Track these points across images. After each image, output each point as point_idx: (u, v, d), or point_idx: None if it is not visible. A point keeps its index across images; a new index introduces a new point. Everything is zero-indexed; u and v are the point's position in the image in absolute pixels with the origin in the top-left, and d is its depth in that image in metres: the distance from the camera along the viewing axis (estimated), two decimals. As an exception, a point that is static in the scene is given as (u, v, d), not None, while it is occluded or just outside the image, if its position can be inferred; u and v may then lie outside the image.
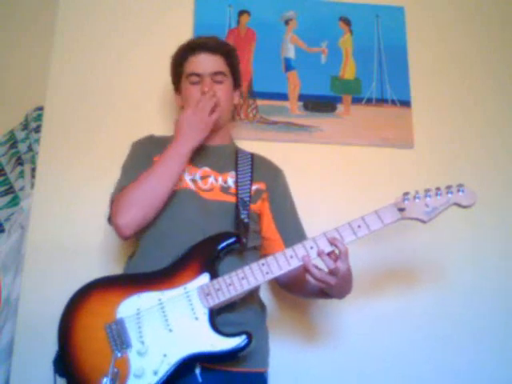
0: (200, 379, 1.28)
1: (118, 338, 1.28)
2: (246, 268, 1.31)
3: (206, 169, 1.51)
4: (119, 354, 1.26)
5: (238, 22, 1.98)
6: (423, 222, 1.36)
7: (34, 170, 1.87)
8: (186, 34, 1.66)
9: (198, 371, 1.28)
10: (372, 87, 1.98)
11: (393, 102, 1.98)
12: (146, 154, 1.52)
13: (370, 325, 1.76)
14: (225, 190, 1.49)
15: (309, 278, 1.30)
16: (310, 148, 1.90)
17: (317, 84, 1.96)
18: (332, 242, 1.31)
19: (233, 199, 1.46)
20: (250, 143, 1.72)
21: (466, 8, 2.15)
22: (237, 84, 1.64)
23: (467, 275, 1.85)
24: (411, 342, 1.76)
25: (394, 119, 1.96)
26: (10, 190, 1.96)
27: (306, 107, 1.94)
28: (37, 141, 1.89)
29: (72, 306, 1.34)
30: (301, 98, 1.94)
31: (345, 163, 1.91)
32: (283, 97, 1.93)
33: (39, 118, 1.92)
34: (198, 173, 1.50)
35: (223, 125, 1.59)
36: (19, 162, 1.98)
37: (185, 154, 1.43)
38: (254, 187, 1.51)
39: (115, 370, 1.20)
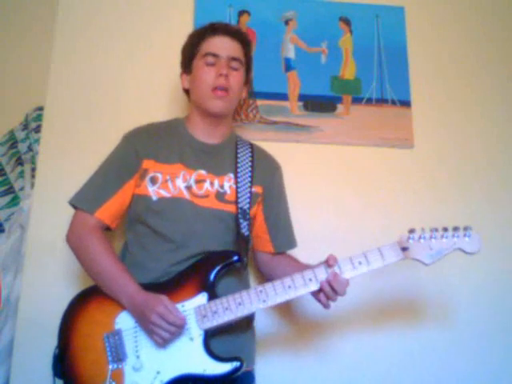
0: None
1: (115, 350, 1.28)
2: (244, 293, 1.31)
3: (202, 172, 1.46)
4: (115, 366, 1.27)
5: (238, 22, 1.98)
6: (425, 264, 1.35)
7: (33, 169, 1.87)
8: (186, 35, 1.66)
9: None
10: (372, 87, 1.98)
11: (393, 102, 1.98)
12: (131, 157, 1.45)
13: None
14: (221, 196, 1.45)
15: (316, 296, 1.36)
16: (310, 148, 1.90)
17: (317, 84, 1.96)
18: (330, 284, 1.32)
19: (230, 208, 1.44)
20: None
21: (465, 8, 2.15)
22: (247, 79, 1.59)
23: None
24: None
25: (394, 119, 1.96)
26: (10, 190, 1.96)
27: (306, 107, 1.94)
28: (37, 141, 1.89)
29: (72, 311, 1.35)
30: (301, 97, 1.94)
31: (345, 163, 1.91)
32: (283, 97, 1.93)
33: (39, 118, 1.92)
34: (193, 177, 1.45)
35: (228, 114, 1.55)
36: (19, 161, 1.98)
37: (117, 299, 1.32)
38: (252, 190, 1.49)
39: (111, 381, 1.22)
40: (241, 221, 1.42)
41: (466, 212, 1.90)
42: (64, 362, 1.30)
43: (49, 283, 1.68)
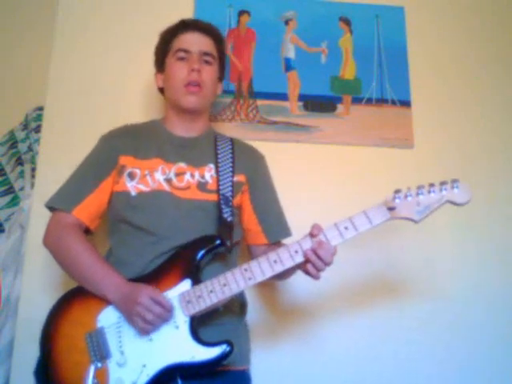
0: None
1: (98, 349, 1.25)
2: (229, 274, 1.27)
3: (182, 164, 1.44)
4: (99, 365, 1.23)
5: (238, 22, 1.98)
6: (414, 221, 1.29)
7: (34, 169, 1.88)
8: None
9: (179, 380, 1.25)
10: (372, 87, 1.98)
11: (393, 101, 1.98)
12: (107, 155, 1.45)
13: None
14: (202, 186, 1.42)
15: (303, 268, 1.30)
16: (310, 148, 1.90)
17: (317, 84, 1.96)
18: (315, 252, 1.26)
19: (212, 197, 1.41)
20: (250, 143, 1.71)
21: (465, 8, 2.15)
22: (221, 75, 1.59)
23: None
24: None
25: (394, 119, 1.96)
26: (10, 190, 1.96)
27: (306, 107, 1.94)
28: (37, 141, 1.90)
29: (54, 314, 1.32)
30: (301, 97, 1.94)
31: (345, 163, 1.91)
32: (283, 97, 1.93)
33: (39, 118, 1.92)
34: (173, 170, 1.43)
35: (203, 110, 1.54)
36: (19, 161, 1.98)
37: (102, 293, 1.29)
38: (234, 179, 1.45)
39: (95, 381, 1.19)
40: (223, 207, 1.39)
41: (465, 211, 1.90)
42: (46, 369, 1.26)
43: (49, 283, 1.68)
